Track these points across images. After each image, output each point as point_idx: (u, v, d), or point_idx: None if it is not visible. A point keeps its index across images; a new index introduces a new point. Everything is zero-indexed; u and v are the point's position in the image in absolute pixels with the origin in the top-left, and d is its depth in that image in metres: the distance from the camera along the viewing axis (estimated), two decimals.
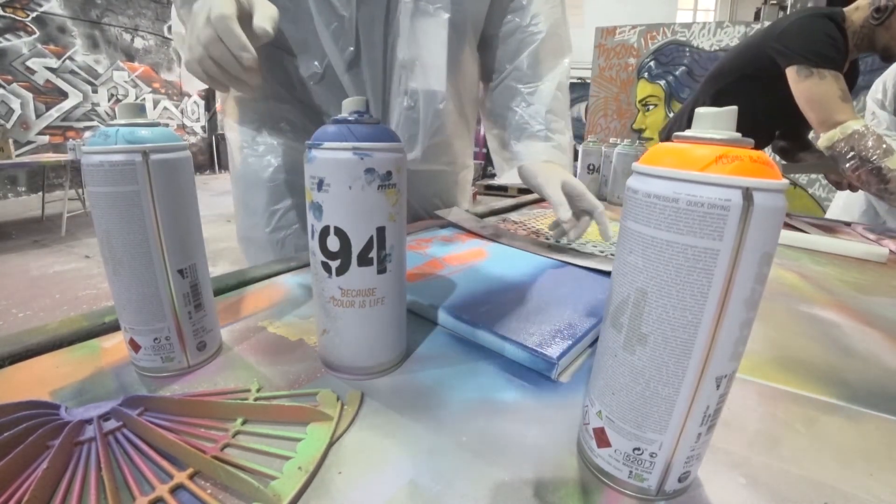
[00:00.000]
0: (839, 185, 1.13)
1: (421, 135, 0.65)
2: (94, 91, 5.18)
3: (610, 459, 0.22)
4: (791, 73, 1.00)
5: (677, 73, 3.26)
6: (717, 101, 1.19)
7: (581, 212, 0.57)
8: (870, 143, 0.88)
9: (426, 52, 0.60)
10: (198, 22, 0.40)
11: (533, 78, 0.65)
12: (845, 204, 1.39)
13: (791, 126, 1.18)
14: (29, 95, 4.56)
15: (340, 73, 0.59)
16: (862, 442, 0.27)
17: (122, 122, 0.27)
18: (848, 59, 1.01)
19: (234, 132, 0.68)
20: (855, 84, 1.09)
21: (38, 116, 4.66)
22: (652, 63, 3.31)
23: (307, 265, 0.51)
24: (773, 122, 1.17)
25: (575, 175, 0.62)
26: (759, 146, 0.87)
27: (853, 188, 1.06)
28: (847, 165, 0.91)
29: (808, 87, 0.98)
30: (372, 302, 0.29)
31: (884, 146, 0.87)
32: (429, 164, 0.69)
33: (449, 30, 0.60)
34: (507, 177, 0.66)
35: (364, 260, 0.28)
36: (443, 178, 0.78)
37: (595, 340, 0.37)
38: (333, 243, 0.27)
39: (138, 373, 0.30)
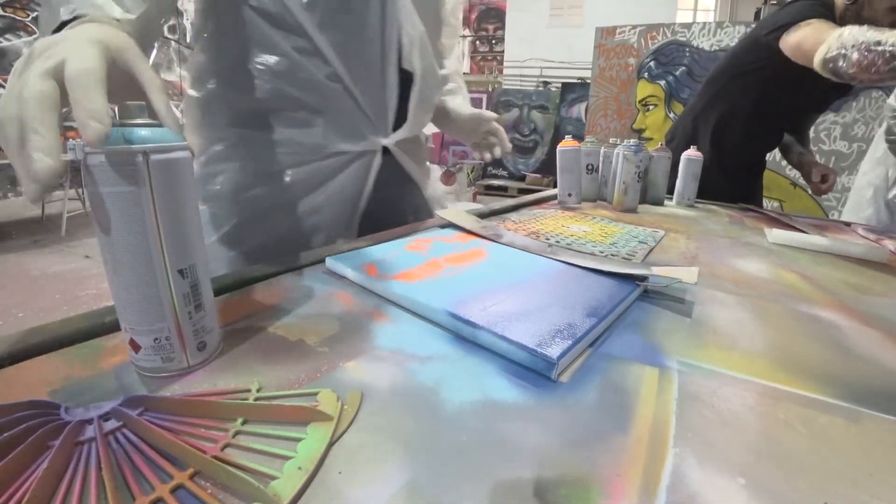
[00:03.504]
0: (818, 191, 1.14)
1: (414, 113, 0.67)
2: None
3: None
4: (783, 41, 1.00)
5: (677, 73, 3.26)
6: (714, 102, 1.20)
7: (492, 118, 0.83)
8: (862, 31, 0.85)
9: (422, 32, 0.63)
10: (31, 69, 0.27)
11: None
12: (856, 205, 1.39)
13: (793, 122, 1.19)
14: None
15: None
16: (862, 442, 0.27)
17: (123, 122, 0.27)
18: None
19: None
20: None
21: None
22: (652, 63, 3.31)
23: (307, 265, 0.51)
24: (774, 121, 1.17)
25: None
26: (767, 146, 0.88)
27: (829, 189, 1.12)
28: (852, 60, 0.85)
29: (796, 36, 0.98)
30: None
31: (874, 29, 0.84)
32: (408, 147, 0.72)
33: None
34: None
35: None
36: (416, 191, 0.79)
37: (595, 340, 0.37)
38: None
39: (139, 373, 0.30)
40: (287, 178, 0.62)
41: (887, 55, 0.81)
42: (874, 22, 0.96)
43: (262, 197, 0.62)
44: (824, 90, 1.10)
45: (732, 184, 1.21)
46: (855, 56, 0.84)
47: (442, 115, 0.86)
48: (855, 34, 0.85)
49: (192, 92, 0.61)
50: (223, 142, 0.61)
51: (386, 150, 0.67)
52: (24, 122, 0.27)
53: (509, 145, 0.84)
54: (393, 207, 0.74)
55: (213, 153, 0.61)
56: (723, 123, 1.17)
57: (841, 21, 0.99)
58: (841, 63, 0.86)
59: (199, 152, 0.62)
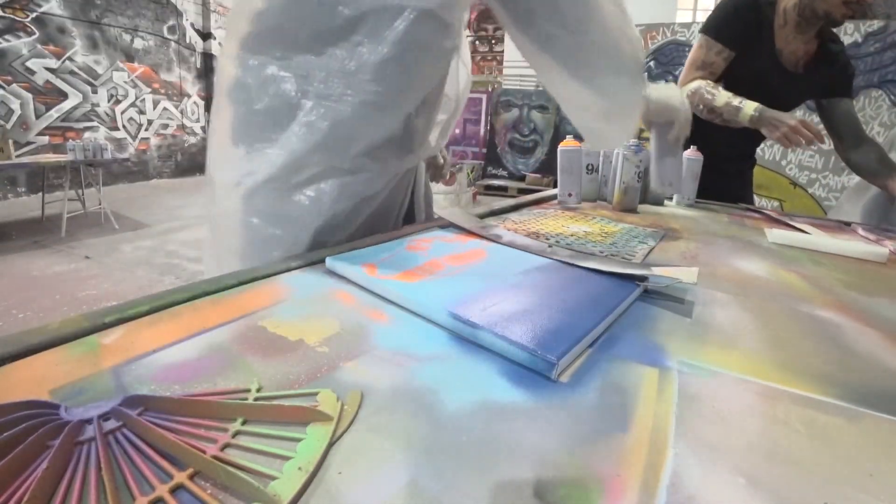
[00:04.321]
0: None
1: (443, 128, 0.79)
2: (94, 91, 5.18)
3: None
4: None
5: (677, 72, 3.26)
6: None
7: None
8: (705, 94, 1.10)
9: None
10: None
11: None
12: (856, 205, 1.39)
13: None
14: (29, 96, 4.57)
15: None
16: (862, 442, 0.27)
17: None
18: (772, 34, 1.10)
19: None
20: (833, 53, 1.14)
21: (37, 117, 4.66)
22: (652, 63, 3.32)
23: (307, 265, 0.51)
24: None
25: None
26: (748, 141, 1.12)
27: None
28: (700, 112, 1.12)
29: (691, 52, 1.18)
30: None
31: (714, 94, 1.09)
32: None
33: None
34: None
35: None
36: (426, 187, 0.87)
37: (595, 340, 0.37)
38: None
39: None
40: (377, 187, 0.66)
41: (717, 116, 1.10)
42: (828, 14, 1.03)
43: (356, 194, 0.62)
44: (787, 90, 1.14)
45: (718, 179, 1.22)
46: (702, 111, 1.12)
47: None
48: (700, 95, 1.10)
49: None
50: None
51: None
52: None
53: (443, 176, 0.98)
54: (424, 204, 0.84)
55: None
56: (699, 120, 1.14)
57: (796, 11, 1.06)
58: (694, 110, 0.99)
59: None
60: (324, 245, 0.60)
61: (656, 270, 0.49)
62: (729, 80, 1.14)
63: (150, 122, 5.85)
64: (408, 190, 0.74)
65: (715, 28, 1.11)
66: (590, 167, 1.06)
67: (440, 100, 0.71)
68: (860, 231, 0.91)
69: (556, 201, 1.02)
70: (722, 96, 1.07)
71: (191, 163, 6.49)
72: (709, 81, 1.11)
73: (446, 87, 0.71)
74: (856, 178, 1.43)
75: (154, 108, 5.88)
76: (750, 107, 1.04)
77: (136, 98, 5.65)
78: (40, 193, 3.77)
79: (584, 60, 0.62)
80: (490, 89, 5.91)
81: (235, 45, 0.58)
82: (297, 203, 0.59)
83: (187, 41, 6.19)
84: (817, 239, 0.76)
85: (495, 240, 0.61)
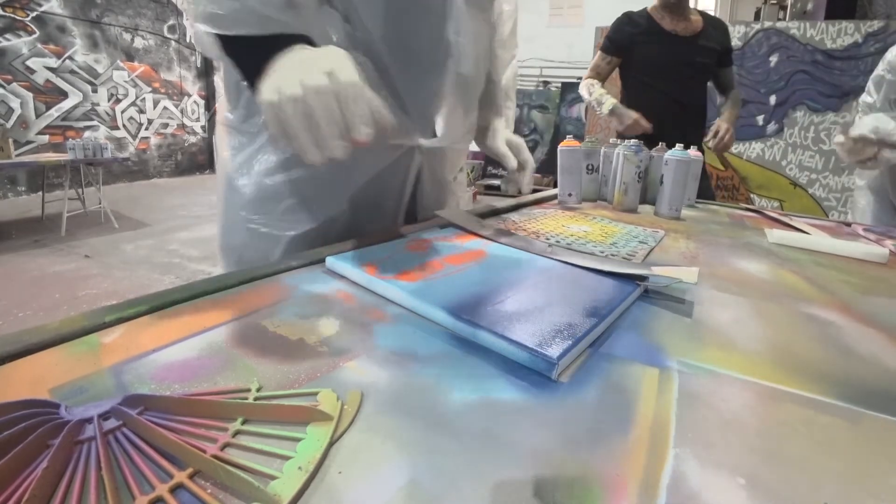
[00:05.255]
0: (715, 148, 1.49)
1: (448, 117, 0.66)
2: (94, 91, 5.18)
3: None
4: None
5: None
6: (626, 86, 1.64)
7: (523, 161, 0.79)
8: (589, 90, 1.57)
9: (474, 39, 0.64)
10: (311, 68, 0.38)
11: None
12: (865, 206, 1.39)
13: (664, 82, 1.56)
14: (29, 95, 4.57)
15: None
16: (862, 442, 0.27)
17: None
18: (659, 26, 1.48)
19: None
20: (717, 28, 1.54)
21: (37, 116, 4.67)
22: None
23: (307, 265, 0.51)
24: (668, 106, 1.53)
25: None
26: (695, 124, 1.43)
27: (721, 142, 1.46)
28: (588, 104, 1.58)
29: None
30: None
31: (592, 91, 1.55)
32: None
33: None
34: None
35: None
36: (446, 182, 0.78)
37: (595, 340, 0.37)
38: None
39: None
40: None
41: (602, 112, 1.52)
42: (678, 2, 1.46)
43: (306, 179, 0.61)
44: (689, 50, 1.49)
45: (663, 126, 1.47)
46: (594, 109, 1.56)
47: (481, 135, 0.83)
48: (586, 92, 1.59)
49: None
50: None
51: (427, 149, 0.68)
52: (344, 97, 0.38)
53: (526, 188, 0.81)
54: (434, 206, 0.76)
55: (260, 137, 0.61)
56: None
57: (663, 5, 1.48)
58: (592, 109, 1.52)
59: (248, 135, 0.62)
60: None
61: (656, 270, 0.49)
62: (646, 62, 1.52)
63: (150, 122, 5.85)
64: (405, 182, 0.68)
65: (604, 44, 1.58)
66: (590, 167, 1.06)
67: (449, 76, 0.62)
68: (860, 231, 0.91)
69: (556, 201, 1.02)
70: (595, 93, 1.54)
71: (191, 162, 6.49)
72: (595, 81, 1.58)
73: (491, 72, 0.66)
74: (860, 181, 1.43)
75: (154, 108, 5.88)
76: (608, 104, 1.48)
77: (137, 97, 5.65)
78: (40, 192, 3.77)
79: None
80: None
81: None
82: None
83: (187, 40, 6.19)
84: (817, 239, 0.76)
85: (495, 240, 0.61)
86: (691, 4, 1.54)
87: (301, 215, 0.63)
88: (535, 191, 0.98)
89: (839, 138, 1.00)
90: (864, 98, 1.21)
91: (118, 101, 5.43)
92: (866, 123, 1.06)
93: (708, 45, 1.49)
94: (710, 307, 0.46)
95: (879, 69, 1.20)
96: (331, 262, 0.49)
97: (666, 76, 1.49)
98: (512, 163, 0.77)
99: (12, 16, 4.38)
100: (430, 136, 0.66)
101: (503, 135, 0.80)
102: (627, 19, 1.53)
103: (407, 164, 0.67)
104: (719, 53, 1.52)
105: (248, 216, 0.63)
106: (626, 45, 1.52)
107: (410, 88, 0.61)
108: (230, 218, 0.65)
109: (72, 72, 4.93)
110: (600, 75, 1.59)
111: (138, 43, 5.59)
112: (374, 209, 0.67)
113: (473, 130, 0.79)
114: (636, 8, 1.57)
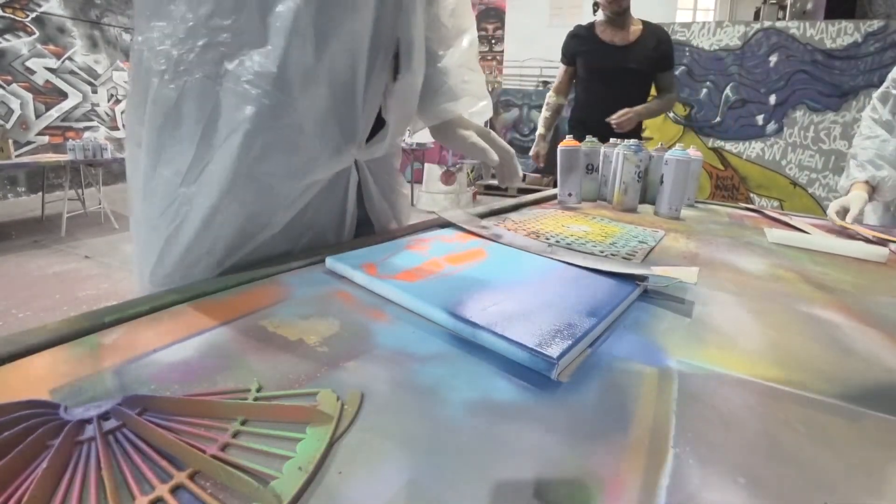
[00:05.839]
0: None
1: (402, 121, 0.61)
2: (94, 91, 5.18)
3: None
4: None
5: (676, 72, 3.27)
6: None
7: (502, 149, 0.71)
8: (542, 113, 1.91)
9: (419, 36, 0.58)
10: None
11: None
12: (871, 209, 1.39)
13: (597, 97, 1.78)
14: (28, 96, 4.57)
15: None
16: (862, 442, 0.27)
17: None
18: (599, 38, 1.69)
19: None
20: (656, 34, 1.70)
21: (37, 117, 4.66)
22: None
23: (307, 265, 0.51)
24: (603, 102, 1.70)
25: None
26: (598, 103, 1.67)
27: (619, 120, 1.64)
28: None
29: None
30: None
31: (541, 117, 1.90)
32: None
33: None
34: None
35: None
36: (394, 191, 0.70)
37: (595, 340, 0.37)
38: None
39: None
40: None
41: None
42: (605, 8, 1.65)
43: (235, 210, 0.50)
44: (623, 56, 1.68)
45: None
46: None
47: (446, 131, 0.70)
48: (541, 116, 1.93)
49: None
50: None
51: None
52: None
53: (516, 181, 0.72)
54: (388, 211, 0.69)
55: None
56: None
57: (613, 15, 1.66)
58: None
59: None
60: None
61: (656, 270, 0.49)
62: (585, 69, 1.75)
63: None
64: (345, 200, 0.60)
65: (561, 56, 1.81)
66: (590, 167, 1.06)
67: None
68: (860, 231, 0.91)
69: (556, 201, 1.02)
70: (542, 113, 1.90)
71: None
72: (553, 95, 1.85)
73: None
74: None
75: None
76: (539, 129, 1.88)
77: None
78: (40, 193, 3.77)
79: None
80: (490, 89, 5.92)
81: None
82: None
83: None
84: (817, 238, 0.76)
85: (495, 240, 0.61)
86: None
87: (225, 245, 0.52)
88: (535, 191, 0.98)
89: (832, 215, 0.99)
90: (869, 114, 1.20)
91: (118, 101, 5.42)
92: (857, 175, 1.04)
93: (642, 53, 1.67)
94: (710, 307, 0.46)
95: (887, 86, 1.19)
96: (331, 262, 0.49)
97: (602, 80, 1.72)
98: (492, 156, 0.68)
99: (12, 16, 4.38)
100: (363, 147, 0.57)
101: (471, 127, 0.69)
102: (573, 33, 1.76)
103: (344, 182, 0.59)
104: (655, 59, 1.69)
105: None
106: (572, 55, 1.76)
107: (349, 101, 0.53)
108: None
109: (71, 72, 4.93)
110: (560, 85, 1.84)
111: None
112: (313, 230, 0.59)
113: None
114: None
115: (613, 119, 1.64)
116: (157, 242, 0.50)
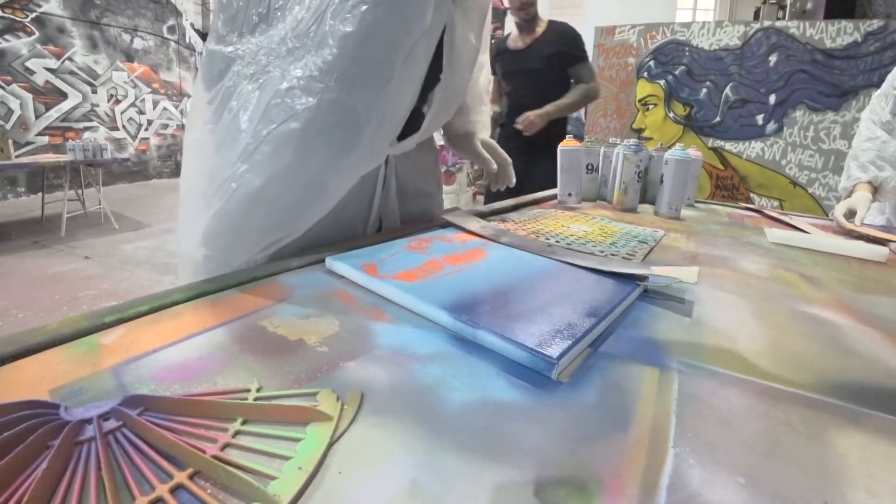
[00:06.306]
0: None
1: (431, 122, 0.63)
2: (94, 92, 5.18)
3: None
4: None
5: (677, 72, 3.27)
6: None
7: (501, 159, 0.82)
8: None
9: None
10: None
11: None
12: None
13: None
14: (28, 96, 4.56)
15: None
16: (862, 442, 0.27)
17: None
18: (508, 46, 1.80)
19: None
20: (560, 30, 1.76)
21: (37, 117, 4.66)
22: (651, 62, 3.31)
23: (307, 265, 0.51)
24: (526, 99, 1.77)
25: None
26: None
27: (525, 124, 1.69)
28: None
29: None
30: None
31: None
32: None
33: None
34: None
35: None
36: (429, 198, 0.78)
37: (595, 340, 0.37)
38: None
39: None
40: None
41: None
42: (514, 14, 1.73)
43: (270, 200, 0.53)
44: (527, 57, 1.75)
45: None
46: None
47: (461, 139, 0.82)
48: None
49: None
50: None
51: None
52: None
53: (512, 181, 0.85)
54: (409, 209, 0.73)
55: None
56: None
57: (516, 24, 1.76)
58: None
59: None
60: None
61: (656, 270, 0.49)
62: (503, 76, 1.83)
63: (149, 122, 5.84)
64: (374, 190, 0.65)
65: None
66: (590, 167, 1.06)
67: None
68: (871, 233, 0.91)
69: (556, 201, 1.02)
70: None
71: None
72: (492, 105, 1.85)
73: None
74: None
75: (154, 108, 5.88)
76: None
77: (136, 98, 5.64)
78: (40, 193, 3.76)
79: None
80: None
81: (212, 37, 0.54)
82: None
83: (187, 41, 6.18)
84: (817, 238, 0.76)
85: (495, 240, 0.61)
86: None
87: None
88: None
89: (840, 218, 0.98)
90: (868, 115, 1.20)
91: (118, 101, 5.42)
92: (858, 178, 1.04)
93: (539, 52, 1.72)
94: (709, 307, 0.46)
95: (886, 86, 1.18)
96: (331, 262, 0.49)
97: (511, 85, 1.83)
98: (492, 165, 0.81)
99: (12, 17, 4.38)
100: (394, 142, 0.60)
101: (479, 139, 0.82)
102: (494, 46, 1.85)
103: (374, 176, 0.64)
104: (558, 55, 1.72)
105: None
106: (493, 66, 1.80)
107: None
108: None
109: (71, 73, 4.93)
110: (494, 94, 1.91)
111: (138, 44, 5.58)
112: (339, 221, 0.61)
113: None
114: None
115: (518, 124, 1.68)
116: (204, 217, 0.53)
